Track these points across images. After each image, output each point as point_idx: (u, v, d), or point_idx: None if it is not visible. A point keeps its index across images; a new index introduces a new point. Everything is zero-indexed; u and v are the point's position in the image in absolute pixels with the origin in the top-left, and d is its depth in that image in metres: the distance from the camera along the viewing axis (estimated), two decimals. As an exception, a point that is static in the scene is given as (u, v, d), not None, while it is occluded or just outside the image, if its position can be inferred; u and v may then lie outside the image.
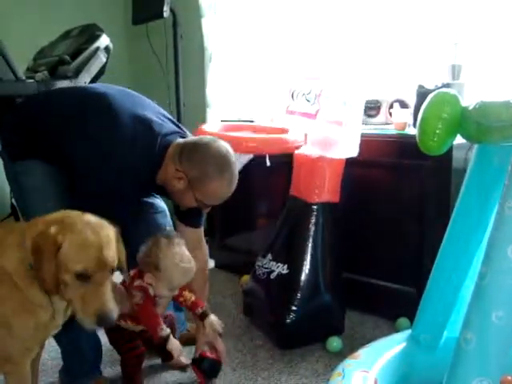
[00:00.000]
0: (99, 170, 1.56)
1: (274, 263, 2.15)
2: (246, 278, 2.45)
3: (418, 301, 1.69)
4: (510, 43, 2.26)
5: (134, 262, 1.89)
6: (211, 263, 2.98)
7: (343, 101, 2.05)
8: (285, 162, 2.18)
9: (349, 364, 1.52)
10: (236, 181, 1.65)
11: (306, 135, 2.13)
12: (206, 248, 1.95)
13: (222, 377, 1.87)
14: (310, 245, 2.07)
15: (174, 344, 1.62)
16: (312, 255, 2.06)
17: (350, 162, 2.08)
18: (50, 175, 1.66)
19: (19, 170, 1.66)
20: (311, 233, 2.08)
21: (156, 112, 1.73)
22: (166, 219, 1.95)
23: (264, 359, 2.00)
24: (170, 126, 1.71)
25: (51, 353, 1.99)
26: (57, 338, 1.76)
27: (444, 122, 1.32)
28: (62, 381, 1.83)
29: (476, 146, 1.44)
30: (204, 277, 1.92)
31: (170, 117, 1.79)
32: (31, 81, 2.32)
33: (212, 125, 2.45)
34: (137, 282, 1.66)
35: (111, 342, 1.78)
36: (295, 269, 2.06)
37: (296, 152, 2.15)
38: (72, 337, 1.69)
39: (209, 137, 1.69)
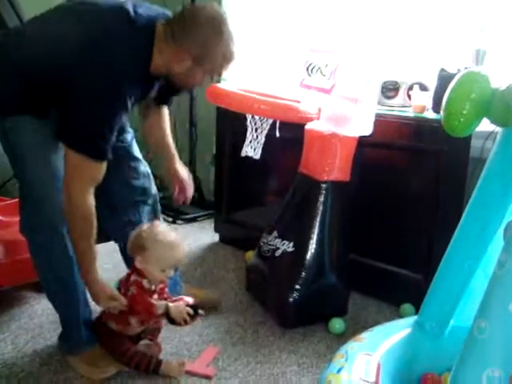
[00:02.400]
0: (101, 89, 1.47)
1: (280, 240, 2.11)
2: (250, 253, 2.42)
3: (424, 287, 1.64)
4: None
5: (120, 232, 1.88)
6: (216, 237, 2.95)
7: (360, 77, 1.99)
8: (296, 137, 2.13)
9: (352, 347, 1.49)
10: (234, 34, 1.58)
11: (319, 109, 2.08)
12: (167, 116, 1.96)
13: (222, 351, 1.86)
14: (317, 223, 2.02)
15: (173, 313, 1.65)
16: (319, 234, 2.02)
17: (364, 142, 2.02)
18: (41, 132, 1.58)
19: (8, 126, 1.58)
20: (319, 211, 2.03)
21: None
22: (151, 183, 1.95)
23: (264, 336, 1.98)
24: (148, 10, 1.59)
25: (50, 316, 1.98)
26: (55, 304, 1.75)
27: (472, 103, 1.26)
28: (62, 346, 1.80)
29: (501, 130, 1.38)
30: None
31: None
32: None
33: (226, 84, 2.38)
34: (133, 277, 1.68)
35: (105, 345, 1.74)
36: (301, 247, 2.03)
37: (307, 128, 2.09)
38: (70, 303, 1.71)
39: (192, 7, 1.60)
